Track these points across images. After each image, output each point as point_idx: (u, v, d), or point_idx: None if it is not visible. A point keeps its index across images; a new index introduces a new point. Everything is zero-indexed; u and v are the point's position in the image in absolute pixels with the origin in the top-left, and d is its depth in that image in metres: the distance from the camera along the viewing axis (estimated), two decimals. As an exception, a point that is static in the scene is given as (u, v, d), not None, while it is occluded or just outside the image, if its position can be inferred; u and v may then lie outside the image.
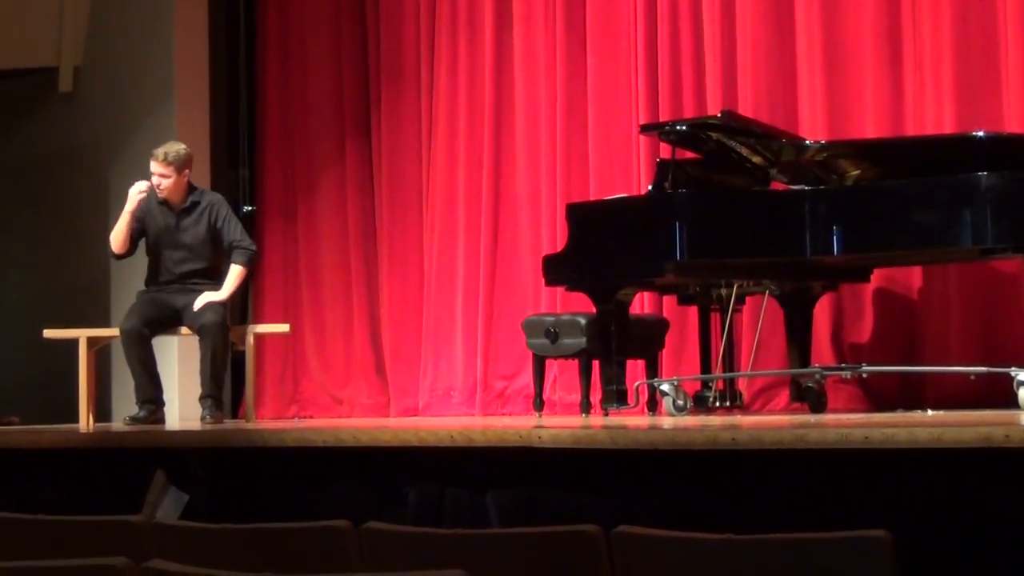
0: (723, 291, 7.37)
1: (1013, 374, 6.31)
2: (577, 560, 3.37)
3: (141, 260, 7.83)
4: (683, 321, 7.97)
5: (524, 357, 8.17)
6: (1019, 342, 7.12)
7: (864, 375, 7.24)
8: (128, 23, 9.83)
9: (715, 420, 6.45)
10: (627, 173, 8.42)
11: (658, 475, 5.05)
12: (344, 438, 5.87)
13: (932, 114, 7.50)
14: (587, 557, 3.36)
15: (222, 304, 7.59)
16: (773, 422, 5.99)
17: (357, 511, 4.93)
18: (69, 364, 8.04)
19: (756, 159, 7.05)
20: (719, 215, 6.77)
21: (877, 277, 7.46)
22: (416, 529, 3.83)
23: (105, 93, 9.93)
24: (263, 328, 8.46)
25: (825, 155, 6.90)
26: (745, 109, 7.83)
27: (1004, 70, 7.34)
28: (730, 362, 7.48)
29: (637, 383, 7.25)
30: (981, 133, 6.65)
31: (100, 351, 8.18)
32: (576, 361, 7.52)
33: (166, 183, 7.64)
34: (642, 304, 8.10)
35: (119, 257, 7.80)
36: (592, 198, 8.27)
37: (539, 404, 7.65)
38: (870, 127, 7.63)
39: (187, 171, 7.72)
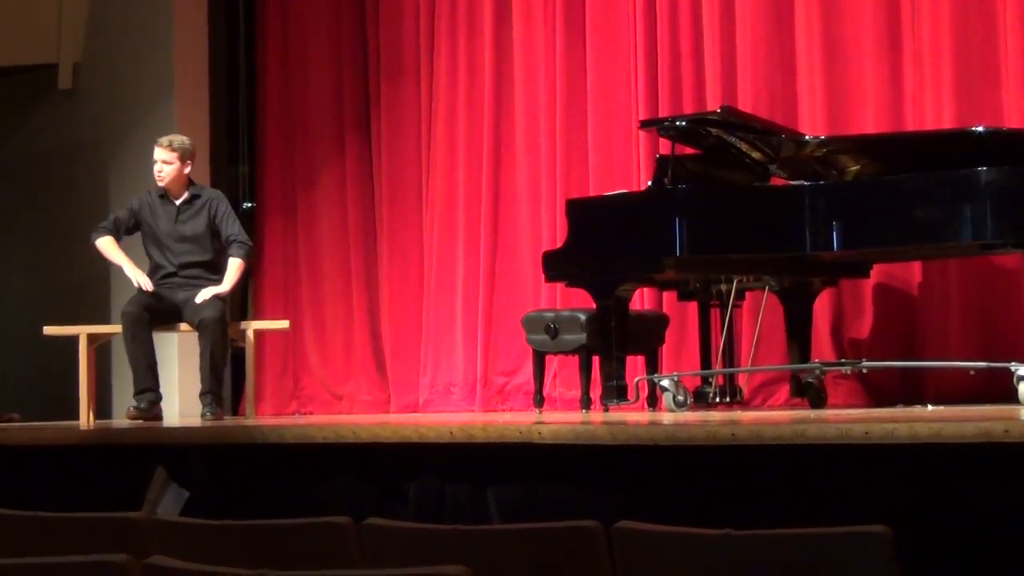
0: (723, 287, 7.38)
1: (1013, 369, 6.31)
2: (577, 556, 3.38)
3: (141, 260, 7.83)
4: (683, 317, 7.97)
5: (524, 353, 8.18)
6: (1019, 337, 7.12)
7: (864, 370, 7.24)
8: (128, 20, 9.83)
9: (715, 416, 6.46)
10: (627, 169, 8.42)
11: (658, 471, 5.05)
12: (344, 434, 5.87)
13: (932, 109, 7.50)
14: (587, 553, 3.36)
15: (222, 300, 7.61)
16: (773, 418, 5.99)
17: (358, 507, 4.94)
18: (69, 361, 8.04)
19: (756, 155, 7.05)
20: (719, 211, 6.77)
21: (877, 272, 7.47)
22: (417, 525, 3.83)
23: (105, 90, 9.93)
24: (263, 324, 8.46)
25: (825, 150, 6.90)
26: (744, 104, 7.83)
27: (1003, 65, 7.34)
28: (730, 358, 7.49)
29: (637, 379, 7.25)
30: (981, 128, 6.64)
31: (100, 348, 8.18)
32: (576, 357, 7.52)
33: (168, 169, 7.71)
34: (642, 300, 8.10)
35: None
36: (592, 194, 8.26)
37: (539, 400, 7.66)
38: (870, 122, 7.64)
39: (189, 163, 7.78)
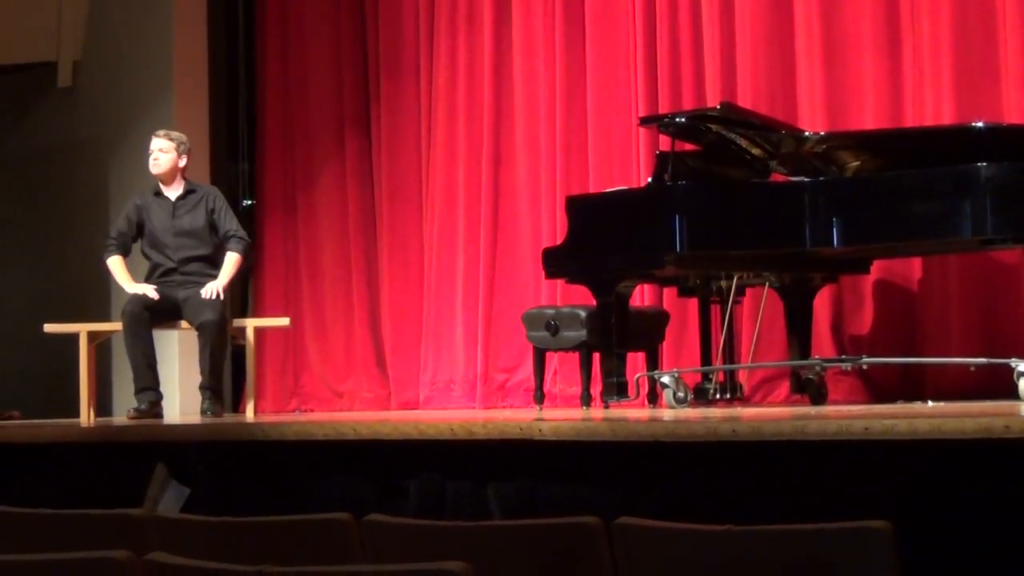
0: (723, 283, 7.37)
1: (1013, 365, 6.31)
2: (578, 552, 3.38)
3: (141, 262, 7.84)
4: (683, 313, 7.97)
5: (524, 350, 8.18)
6: (1019, 333, 7.12)
7: (864, 367, 7.24)
8: (127, 17, 9.82)
9: (715, 412, 6.46)
10: (627, 165, 8.42)
11: (659, 467, 5.05)
12: (345, 431, 5.87)
13: (931, 105, 7.50)
14: (588, 549, 3.36)
15: (222, 302, 7.63)
16: (773, 414, 5.99)
17: (358, 504, 4.94)
18: (70, 358, 8.04)
19: (755, 151, 7.05)
20: (719, 207, 6.76)
21: (877, 268, 7.46)
22: (417, 522, 3.84)
23: (104, 88, 9.92)
24: (263, 322, 8.47)
25: (824, 146, 6.90)
26: (744, 100, 7.83)
27: (1003, 61, 7.34)
28: (730, 354, 7.49)
29: (637, 375, 7.25)
30: (980, 124, 6.64)
31: (100, 345, 8.18)
32: (576, 354, 7.52)
33: (164, 158, 7.79)
34: (642, 296, 8.10)
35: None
36: (592, 190, 8.27)
37: (540, 397, 7.66)
38: (869, 118, 7.64)
39: (185, 157, 7.85)
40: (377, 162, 9.63)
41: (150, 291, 7.61)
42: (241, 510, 4.51)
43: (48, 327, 8.05)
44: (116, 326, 7.84)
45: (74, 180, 10.04)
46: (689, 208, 6.66)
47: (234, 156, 10.05)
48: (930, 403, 6.65)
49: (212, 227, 7.81)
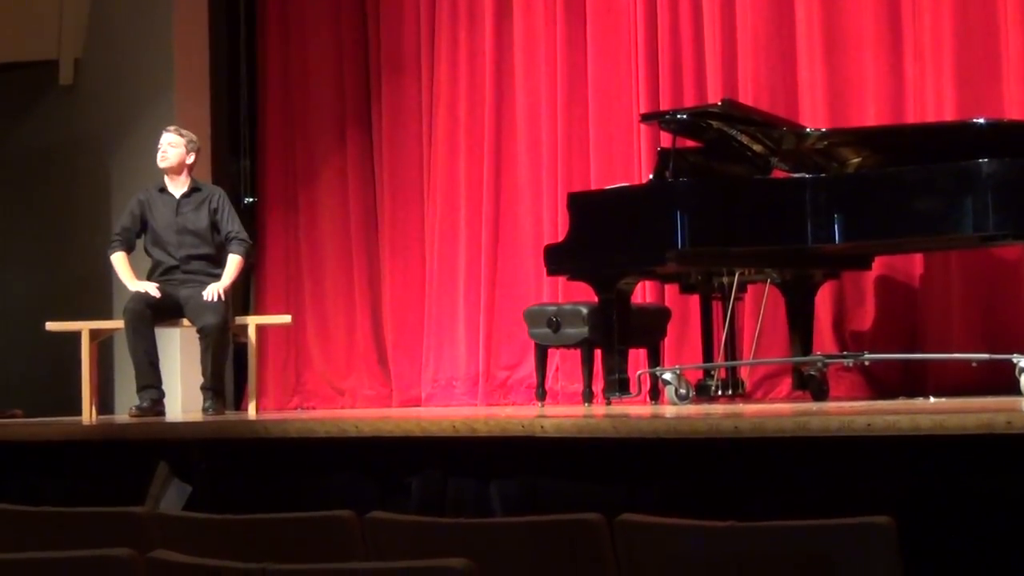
0: (725, 279, 7.37)
1: (1015, 361, 6.32)
2: (580, 548, 3.38)
3: (143, 257, 7.84)
4: (685, 310, 7.97)
5: (526, 347, 8.18)
6: (1021, 328, 7.13)
7: (866, 363, 7.25)
8: (128, 15, 9.82)
9: (717, 408, 6.45)
10: (628, 162, 8.42)
11: (661, 463, 5.05)
12: (346, 429, 5.87)
13: (933, 101, 7.50)
14: (590, 545, 3.36)
15: (224, 304, 7.62)
16: (775, 410, 5.99)
17: (360, 501, 4.94)
18: (71, 357, 8.04)
19: (757, 147, 7.05)
20: (720, 203, 6.76)
21: (878, 265, 7.47)
22: (419, 519, 3.83)
23: (105, 85, 9.92)
24: (265, 320, 8.47)
25: (826, 143, 6.90)
26: (745, 97, 7.83)
27: (1004, 57, 7.34)
28: (732, 350, 7.48)
29: (639, 372, 7.26)
30: (982, 120, 6.65)
31: (102, 343, 8.18)
32: (578, 350, 7.53)
33: (172, 152, 7.82)
34: (644, 293, 8.10)
35: None
36: (593, 187, 8.27)
37: (541, 394, 7.66)
38: (871, 115, 7.64)
39: (193, 156, 7.87)
40: (378, 159, 9.63)
41: (152, 289, 7.62)
42: (243, 508, 4.51)
43: (50, 325, 8.05)
44: (118, 324, 7.84)
45: (76, 178, 10.04)
46: (690, 205, 6.66)
47: (235, 153, 10.05)
48: (932, 399, 6.65)
49: (214, 227, 7.81)
